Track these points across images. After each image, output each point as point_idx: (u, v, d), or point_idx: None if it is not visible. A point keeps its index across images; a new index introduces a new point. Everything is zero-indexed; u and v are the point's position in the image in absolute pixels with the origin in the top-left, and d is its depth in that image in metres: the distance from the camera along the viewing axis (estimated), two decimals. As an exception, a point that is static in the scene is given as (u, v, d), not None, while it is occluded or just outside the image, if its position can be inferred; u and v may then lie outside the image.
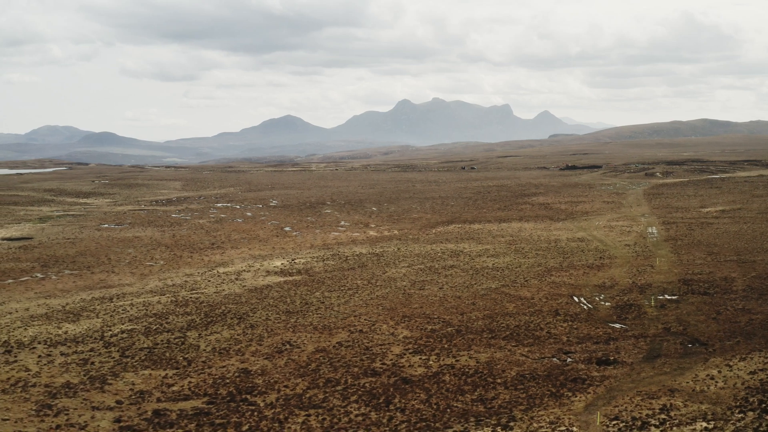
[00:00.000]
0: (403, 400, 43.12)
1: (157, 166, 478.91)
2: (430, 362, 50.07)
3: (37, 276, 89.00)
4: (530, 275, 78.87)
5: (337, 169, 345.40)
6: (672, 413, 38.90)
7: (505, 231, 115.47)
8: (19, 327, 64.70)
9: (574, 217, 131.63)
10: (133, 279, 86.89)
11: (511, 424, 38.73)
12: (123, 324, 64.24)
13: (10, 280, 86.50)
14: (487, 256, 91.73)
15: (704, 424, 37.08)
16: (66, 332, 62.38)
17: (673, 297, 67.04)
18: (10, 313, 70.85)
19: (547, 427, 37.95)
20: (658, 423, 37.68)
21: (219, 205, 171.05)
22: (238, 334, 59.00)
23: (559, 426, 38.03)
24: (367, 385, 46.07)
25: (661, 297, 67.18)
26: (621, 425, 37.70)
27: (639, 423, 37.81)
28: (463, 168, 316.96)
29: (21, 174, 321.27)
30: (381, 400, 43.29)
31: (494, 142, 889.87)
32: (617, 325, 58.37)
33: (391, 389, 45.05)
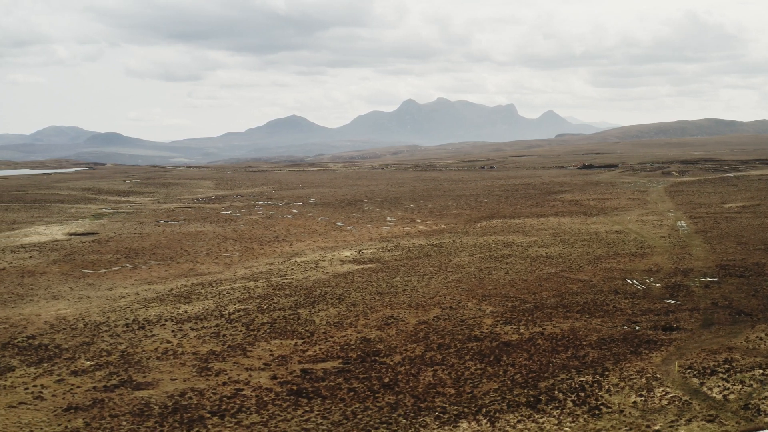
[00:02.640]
0: (510, 358, 52.66)
1: (178, 166, 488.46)
2: (521, 330, 59.63)
3: (126, 266, 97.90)
4: (582, 262, 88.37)
5: (358, 169, 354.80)
6: (734, 364, 48.41)
7: (545, 225, 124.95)
8: (140, 308, 73.62)
9: (605, 212, 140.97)
10: (219, 268, 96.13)
11: (606, 372, 48.31)
12: (234, 304, 73.38)
13: (104, 270, 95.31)
14: (538, 247, 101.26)
15: (760, 371, 46.61)
16: (186, 311, 71.46)
17: (714, 279, 76.57)
18: (123, 297, 79.83)
19: (636, 375, 47.49)
20: (723, 371, 47.21)
21: (261, 202, 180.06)
22: (343, 311, 68.39)
23: (646, 374, 47.57)
24: (474, 347, 55.60)
25: (703, 279, 76.73)
26: (695, 372, 47.24)
27: (709, 371, 47.34)
28: (483, 167, 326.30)
29: (49, 174, 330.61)
30: (491, 359, 52.82)
31: (502, 142, 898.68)
32: (671, 301, 67.95)
33: (497, 350, 54.60)
